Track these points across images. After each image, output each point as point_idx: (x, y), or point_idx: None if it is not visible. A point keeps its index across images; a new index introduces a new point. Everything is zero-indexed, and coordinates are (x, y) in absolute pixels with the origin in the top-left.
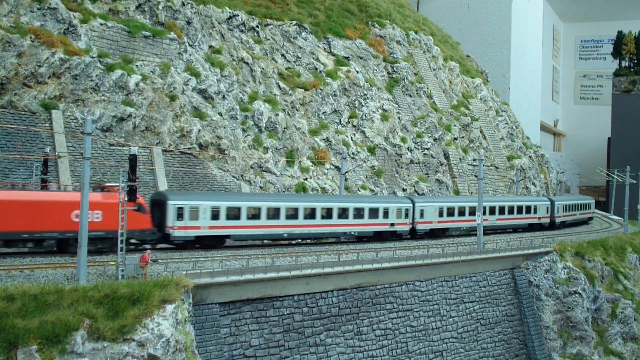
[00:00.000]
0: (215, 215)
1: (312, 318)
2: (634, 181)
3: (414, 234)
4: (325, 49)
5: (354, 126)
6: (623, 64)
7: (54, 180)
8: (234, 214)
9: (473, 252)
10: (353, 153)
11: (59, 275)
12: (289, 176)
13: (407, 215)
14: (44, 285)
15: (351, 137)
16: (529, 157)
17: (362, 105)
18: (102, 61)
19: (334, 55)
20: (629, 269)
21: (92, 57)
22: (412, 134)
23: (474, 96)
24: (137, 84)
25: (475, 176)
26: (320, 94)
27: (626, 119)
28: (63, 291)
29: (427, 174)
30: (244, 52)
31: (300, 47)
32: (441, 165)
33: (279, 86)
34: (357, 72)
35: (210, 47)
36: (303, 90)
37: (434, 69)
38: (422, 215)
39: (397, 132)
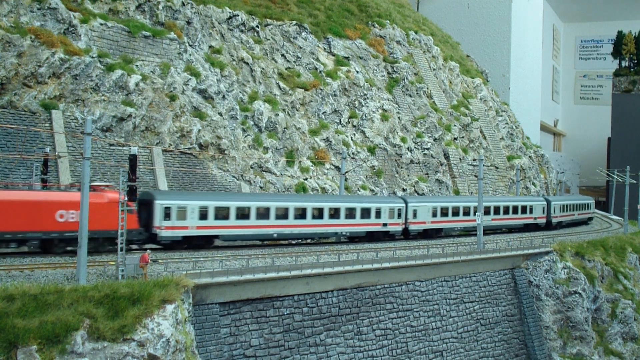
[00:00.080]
0: (203, 215)
1: (312, 318)
2: (634, 181)
3: (407, 235)
4: (325, 49)
5: (354, 126)
6: (623, 64)
7: (54, 180)
8: (222, 213)
9: (473, 252)
10: (353, 153)
11: (59, 275)
12: (289, 176)
13: (399, 216)
14: (44, 285)
15: (351, 137)
16: (529, 157)
17: (362, 105)
18: (102, 61)
19: (334, 55)
20: (629, 269)
21: (92, 57)
22: (412, 134)
23: (474, 96)
24: (137, 84)
25: (475, 176)
26: (320, 94)
27: (626, 119)
28: (63, 291)
29: (427, 174)
30: (244, 52)
31: (300, 47)
32: (441, 165)
33: (279, 86)
34: (357, 72)
35: (210, 47)
36: (303, 90)
37: (434, 69)
38: (415, 216)
39: (397, 132)
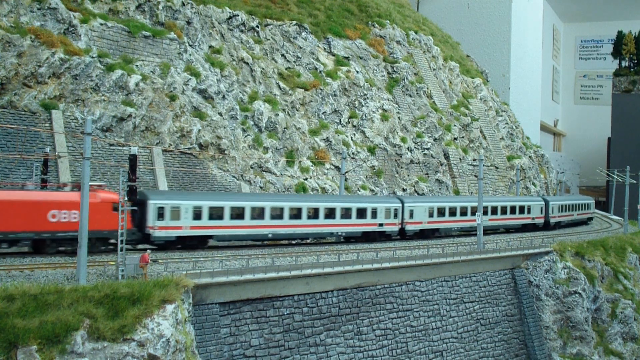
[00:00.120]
0: (197, 215)
1: (312, 318)
2: (634, 181)
3: (403, 235)
4: (325, 49)
5: (354, 126)
6: (623, 64)
7: (54, 181)
8: (216, 213)
9: (473, 252)
10: (353, 153)
11: (59, 275)
12: (289, 176)
13: (396, 216)
14: (44, 285)
15: (351, 137)
16: (529, 157)
17: (362, 105)
18: (102, 61)
19: (334, 55)
20: (629, 269)
21: (92, 57)
22: (412, 134)
23: (474, 96)
24: (137, 84)
25: (475, 176)
26: (320, 94)
27: (626, 119)
28: (63, 291)
29: (427, 174)
30: (244, 52)
31: (300, 47)
32: (441, 165)
33: (279, 86)
34: (357, 72)
35: (210, 47)
36: (303, 90)
37: (434, 69)
38: (411, 216)
39: (397, 132)
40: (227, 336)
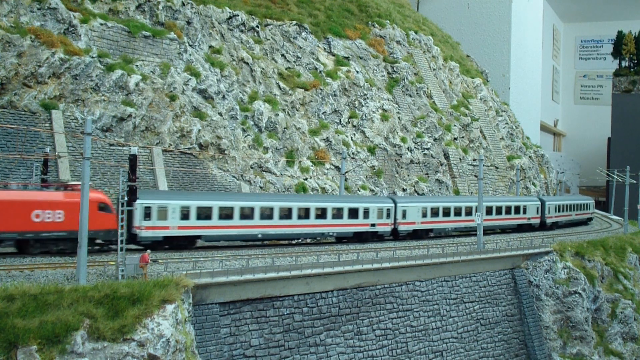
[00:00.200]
0: (185, 215)
1: (312, 318)
2: (634, 181)
3: (396, 235)
4: (325, 49)
5: (354, 126)
6: (623, 64)
7: (54, 180)
8: (205, 213)
9: (473, 252)
10: (353, 153)
11: (59, 275)
12: (289, 176)
13: (388, 216)
14: (44, 285)
15: (351, 137)
16: (529, 157)
17: (362, 105)
18: (102, 61)
19: (334, 55)
20: (629, 269)
21: (92, 57)
22: (412, 134)
23: (474, 96)
24: (137, 84)
25: (475, 176)
26: (320, 94)
27: (626, 119)
28: (63, 291)
29: (427, 174)
30: (244, 52)
31: (300, 47)
32: (441, 165)
33: (279, 86)
34: (357, 72)
35: (210, 47)
36: (303, 90)
37: (434, 69)
38: (404, 216)
39: (397, 132)
40: (227, 336)
